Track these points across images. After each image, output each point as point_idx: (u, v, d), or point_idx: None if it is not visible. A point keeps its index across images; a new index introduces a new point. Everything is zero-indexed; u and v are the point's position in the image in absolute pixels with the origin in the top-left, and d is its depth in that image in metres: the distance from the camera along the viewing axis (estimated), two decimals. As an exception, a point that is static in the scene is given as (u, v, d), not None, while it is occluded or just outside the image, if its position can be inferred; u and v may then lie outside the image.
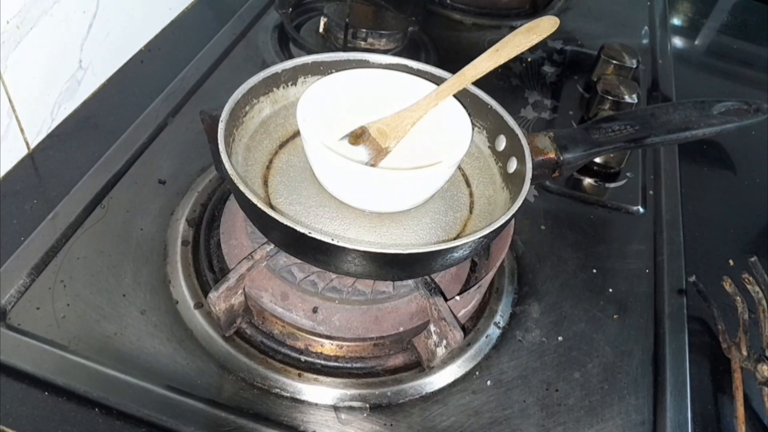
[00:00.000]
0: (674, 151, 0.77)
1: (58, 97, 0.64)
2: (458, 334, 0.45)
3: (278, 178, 0.51)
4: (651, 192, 0.72)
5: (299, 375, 0.49)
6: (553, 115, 0.80)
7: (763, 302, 0.56)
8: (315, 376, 0.49)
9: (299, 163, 0.52)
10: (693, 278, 0.61)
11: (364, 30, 0.79)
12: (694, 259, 0.64)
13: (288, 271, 0.50)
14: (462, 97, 0.52)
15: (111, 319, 0.50)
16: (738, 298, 0.57)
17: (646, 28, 1.03)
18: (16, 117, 0.59)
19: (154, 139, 0.65)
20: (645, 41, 1.00)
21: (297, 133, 0.54)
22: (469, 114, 0.50)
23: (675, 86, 0.90)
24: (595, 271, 0.62)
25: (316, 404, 0.48)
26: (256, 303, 0.50)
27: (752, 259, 0.58)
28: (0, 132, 0.57)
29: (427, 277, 0.50)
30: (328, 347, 0.50)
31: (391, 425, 0.47)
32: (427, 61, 0.56)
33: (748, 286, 0.56)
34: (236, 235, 0.54)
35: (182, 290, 0.53)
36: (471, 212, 0.51)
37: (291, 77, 0.54)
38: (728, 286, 0.57)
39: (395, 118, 0.51)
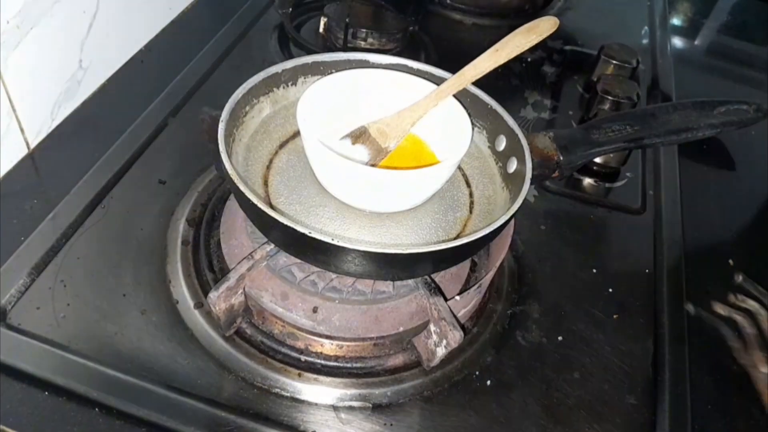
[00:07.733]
0: (674, 151, 0.77)
1: (58, 97, 0.64)
2: (458, 334, 0.45)
3: (278, 178, 0.51)
4: (651, 192, 0.72)
5: (299, 375, 0.49)
6: (553, 115, 0.80)
7: (762, 312, 0.55)
8: (315, 375, 0.49)
9: (299, 163, 0.52)
10: (690, 307, 0.58)
11: (364, 30, 0.79)
12: (694, 259, 0.64)
13: (288, 271, 0.50)
14: (462, 97, 0.52)
15: (111, 318, 0.50)
16: (736, 316, 0.56)
17: (646, 28, 1.03)
18: (16, 117, 0.59)
19: (154, 139, 0.65)
20: (645, 41, 1.00)
21: (297, 133, 0.54)
22: (469, 114, 0.50)
23: (675, 86, 0.90)
24: (595, 271, 0.62)
25: (316, 404, 0.48)
26: (256, 303, 0.50)
27: (739, 279, 0.57)
28: (0, 132, 0.57)
29: (427, 277, 0.50)
30: (328, 347, 0.50)
31: (391, 425, 0.47)
32: (427, 61, 0.56)
33: (742, 305, 0.56)
34: (236, 234, 0.54)
35: (182, 290, 0.53)
36: (471, 212, 0.51)
37: (291, 77, 0.54)
38: (720, 309, 0.57)
39: (395, 118, 0.51)
